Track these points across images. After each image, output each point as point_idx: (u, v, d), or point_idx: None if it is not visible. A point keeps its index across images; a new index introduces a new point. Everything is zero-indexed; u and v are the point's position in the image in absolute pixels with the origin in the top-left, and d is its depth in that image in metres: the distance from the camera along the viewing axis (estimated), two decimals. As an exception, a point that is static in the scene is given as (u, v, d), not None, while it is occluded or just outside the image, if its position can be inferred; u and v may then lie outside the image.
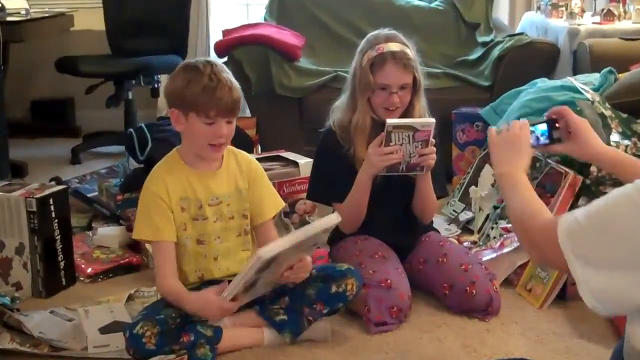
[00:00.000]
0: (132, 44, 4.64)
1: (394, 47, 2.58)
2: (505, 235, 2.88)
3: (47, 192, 2.72)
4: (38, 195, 2.69)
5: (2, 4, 4.47)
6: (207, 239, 2.36)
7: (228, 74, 2.30)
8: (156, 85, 4.72)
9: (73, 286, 2.83)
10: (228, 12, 5.19)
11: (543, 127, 2.00)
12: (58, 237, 2.75)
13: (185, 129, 2.30)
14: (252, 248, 2.45)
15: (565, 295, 2.61)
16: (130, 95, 4.70)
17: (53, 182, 3.61)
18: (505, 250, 2.79)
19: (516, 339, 2.42)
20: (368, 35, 2.69)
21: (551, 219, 1.48)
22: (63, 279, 2.80)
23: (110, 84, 4.63)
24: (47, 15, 4.68)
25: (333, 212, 2.52)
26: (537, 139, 1.99)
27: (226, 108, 2.26)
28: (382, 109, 2.61)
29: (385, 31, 2.67)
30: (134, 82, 4.63)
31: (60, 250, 2.76)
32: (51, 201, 2.71)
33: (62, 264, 2.78)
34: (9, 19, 4.32)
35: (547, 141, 2.00)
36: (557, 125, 1.99)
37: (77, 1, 5.07)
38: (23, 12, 4.54)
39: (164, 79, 4.72)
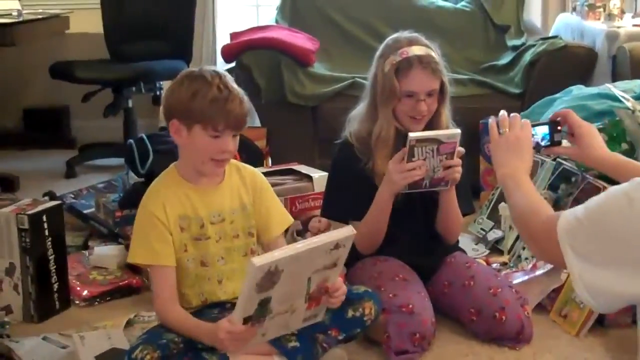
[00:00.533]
0: (132, 48, 4.65)
1: (418, 50, 2.59)
2: (538, 256, 2.87)
3: (40, 208, 2.73)
4: (30, 212, 2.69)
5: (-9, 5, 4.52)
6: (210, 261, 2.35)
7: (235, 83, 2.30)
8: (158, 93, 4.74)
9: (67, 310, 2.85)
10: (236, 13, 5.21)
11: (545, 129, 2.11)
12: (52, 256, 2.76)
13: (186, 142, 2.29)
14: None
15: (604, 322, 2.60)
16: (130, 104, 4.72)
17: (46, 198, 3.62)
18: (538, 272, 2.78)
19: (550, 370, 2.42)
20: (387, 39, 2.69)
21: (552, 215, 1.60)
22: (57, 303, 2.81)
23: (109, 92, 4.65)
24: (40, 17, 4.70)
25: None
26: (539, 140, 2.09)
27: (235, 121, 2.25)
28: (408, 118, 2.61)
29: (406, 34, 2.67)
30: (134, 89, 4.65)
31: (54, 271, 2.77)
32: (44, 218, 2.72)
33: (55, 286, 2.79)
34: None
35: (549, 143, 2.11)
36: (559, 127, 2.10)
37: (72, 2, 5.10)
38: (15, 13, 4.54)
39: (166, 85, 4.74)
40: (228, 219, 2.37)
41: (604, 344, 2.53)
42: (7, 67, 4.90)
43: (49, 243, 2.75)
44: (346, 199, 2.70)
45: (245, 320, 2.03)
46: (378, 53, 2.68)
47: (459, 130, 2.49)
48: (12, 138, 5.17)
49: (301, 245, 2.00)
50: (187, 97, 2.23)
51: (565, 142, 2.11)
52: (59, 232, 2.81)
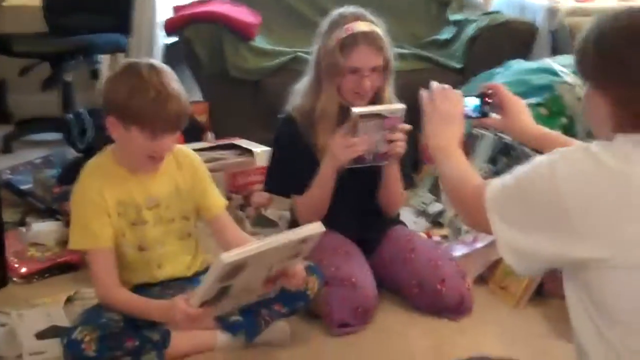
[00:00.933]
0: (71, 21, 4.53)
1: (364, 26, 2.56)
2: (478, 229, 2.89)
3: None
4: None
5: None
6: (148, 245, 2.33)
7: (174, 81, 2.21)
8: (97, 67, 4.64)
9: (5, 288, 2.79)
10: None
11: (475, 100, 2.13)
12: None
13: (123, 138, 2.21)
14: (196, 252, 2.45)
15: (542, 292, 2.64)
16: (69, 77, 4.62)
17: None
18: (479, 245, 2.80)
19: (490, 340, 2.45)
20: (332, 14, 2.65)
21: (480, 183, 1.68)
22: None
23: (47, 65, 4.53)
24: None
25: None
26: (469, 112, 2.10)
27: (174, 123, 2.19)
28: (352, 94, 2.58)
29: (351, 9, 2.64)
30: (72, 62, 4.53)
31: None
32: None
33: None
34: None
35: (479, 115, 2.14)
36: (488, 100, 2.13)
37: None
38: None
39: (105, 59, 4.67)
40: (164, 203, 2.34)
41: (542, 313, 2.58)
42: None
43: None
44: (289, 173, 2.68)
45: (202, 303, 2.01)
46: (322, 28, 2.65)
47: (402, 105, 2.48)
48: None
49: (269, 241, 1.97)
50: (124, 97, 2.15)
51: (494, 115, 2.14)
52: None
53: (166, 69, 2.24)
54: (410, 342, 2.43)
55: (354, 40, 2.54)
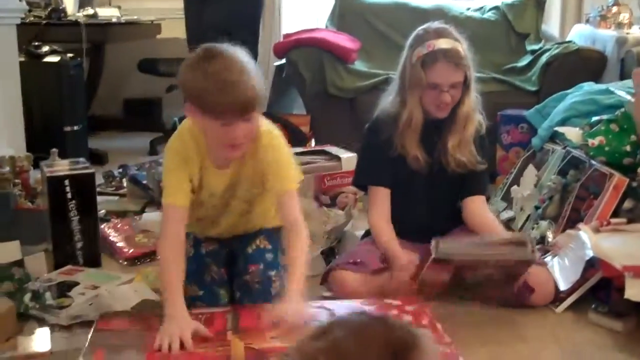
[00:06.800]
0: (207, 48, 4.18)
1: (445, 44, 2.05)
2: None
3: (62, 173, 2.16)
4: (52, 175, 2.15)
5: (94, 11, 4.11)
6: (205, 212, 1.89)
7: (241, 64, 1.65)
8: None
9: (99, 268, 2.31)
10: (299, 24, 4.65)
11: None
12: (75, 218, 2.21)
13: (202, 126, 1.71)
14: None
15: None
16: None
17: (120, 170, 3.22)
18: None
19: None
20: (417, 30, 2.14)
21: None
22: (80, 260, 2.26)
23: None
24: (135, 22, 4.34)
25: None
26: None
27: (240, 109, 1.64)
28: (433, 107, 2.08)
29: (436, 24, 2.13)
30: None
31: (77, 231, 2.24)
32: (66, 182, 2.15)
33: (78, 244, 2.25)
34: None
35: None
36: None
37: (165, 12, 4.65)
38: (114, 20, 4.20)
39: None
40: (231, 193, 1.84)
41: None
42: (111, 63, 4.49)
43: (72, 206, 2.18)
44: (375, 166, 2.16)
45: None
46: (408, 43, 2.14)
47: (531, 255, 1.85)
48: (114, 123, 4.73)
49: None
50: (195, 82, 1.65)
51: None
52: (86, 196, 2.24)
53: (236, 52, 1.68)
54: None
55: (434, 58, 2.03)
